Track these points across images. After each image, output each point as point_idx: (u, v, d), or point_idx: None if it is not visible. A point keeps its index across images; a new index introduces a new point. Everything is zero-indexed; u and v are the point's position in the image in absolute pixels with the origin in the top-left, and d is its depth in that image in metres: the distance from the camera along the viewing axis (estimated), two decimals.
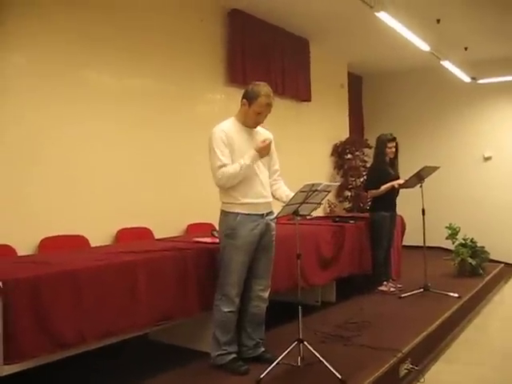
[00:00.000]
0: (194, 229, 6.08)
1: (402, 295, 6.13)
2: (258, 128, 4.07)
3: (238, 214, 3.85)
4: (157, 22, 6.03)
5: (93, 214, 5.27)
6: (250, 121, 3.95)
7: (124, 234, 5.51)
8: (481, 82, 9.96)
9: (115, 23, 5.56)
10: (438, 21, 7.34)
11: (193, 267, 4.03)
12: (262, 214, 3.95)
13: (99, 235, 5.29)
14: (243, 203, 3.86)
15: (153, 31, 5.98)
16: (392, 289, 6.41)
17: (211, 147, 3.84)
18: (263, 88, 3.90)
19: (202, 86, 6.47)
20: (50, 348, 3.15)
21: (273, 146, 4.11)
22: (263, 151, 3.88)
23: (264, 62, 7.58)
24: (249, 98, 3.88)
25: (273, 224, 4.06)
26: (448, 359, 4.96)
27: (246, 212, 3.86)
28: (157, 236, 5.64)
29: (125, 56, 5.67)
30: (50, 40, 4.98)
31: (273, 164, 4.19)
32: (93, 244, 5.10)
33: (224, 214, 3.93)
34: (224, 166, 3.78)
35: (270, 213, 4.02)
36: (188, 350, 4.35)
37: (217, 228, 4.16)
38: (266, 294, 4.07)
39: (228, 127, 3.89)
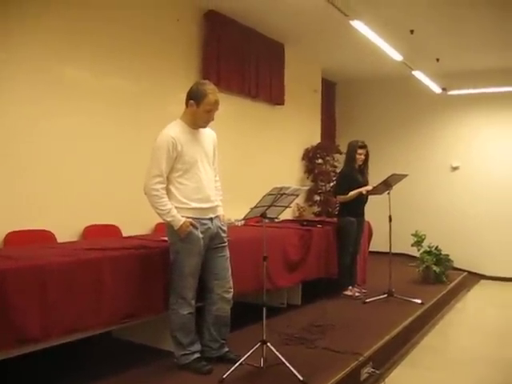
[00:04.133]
0: (163, 228, 6.04)
1: (367, 300, 6.21)
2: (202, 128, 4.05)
3: (188, 218, 3.85)
4: (133, 20, 6.00)
5: (60, 209, 5.23)
6: (200, 121, 3.93)
7: (91, 231, 5.47)
8: (451, 93, 10.14)
9: (92, 20, 5.51)
10: (412, 31, 7.44)
11: (159, 266, 4.03)
12: (211, 218, 3.98)
13: (66, 231, 5.25)
14: (192, 208, 3.88)
15: (129, 29, 5.94)
16: (357, 293, 6.49)
17: (155, 152, 3.82)
18: (209, 86, 3.89)
19: (175, 85, 6.44)
20: (14, 343, 3.14)
21: (215, 146, 4.13)
22: (181, 232, 3.83)
23: (239, 64, 7.60)
24: (196, 98, 3.85)
25: (224, 227, 4.10)
26: (409, 364, 5.05)
27: (196, 216, 3.89)
28: (124, 234, 5.62)
29: (101, 53, 5.63)
30: (26, 37, 4.92)
31: (214, 166, 4.16)
32: (59, 240, 5.05)
33: None
34: (160, 176, 3.78)
35: (217, 217, 4.05)
36: (152, 348, 4.36)
37: None
38: (230, 296, 4.09)
39: (176, 132, 3.86)
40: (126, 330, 4.36)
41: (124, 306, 3.79)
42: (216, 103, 3.89)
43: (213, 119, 3.97)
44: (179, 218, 3.81)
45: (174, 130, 3.88)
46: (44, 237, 4.98)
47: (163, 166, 3.80)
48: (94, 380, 3.73)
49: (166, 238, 4.06)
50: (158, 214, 3.85)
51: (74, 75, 5.42)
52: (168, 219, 3.82)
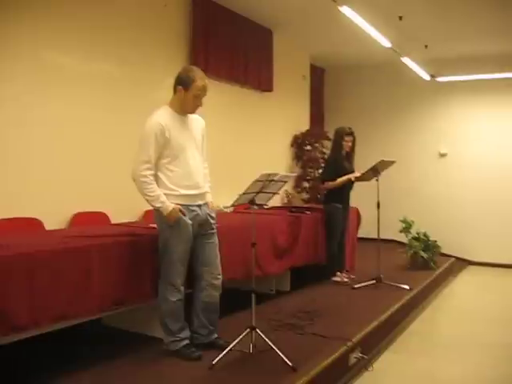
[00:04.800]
0: (151, 215, 6.02)
1: (355, 286, 6.25)
2: (191, 115, 4.04)
3: (177, 205, 3.84)
4: (119, 5, 5.96)
5: (48, 197, 5.20)
6: (189, 106, 3.92)
7: (80, 218, 5.45)
8: (440, 79, 10.15)
9: (78, 5, 5.46)
10: (401, 18, 7.43)
11: (148, 253, 4.03)
12: (200, 205, 3.98)
13: (54, 219, 5.23)
14: (181, 195, 3.88)
15: (115, 14, 5.90)
16: (345, 279, 6.53)
17: (143, 138, 3.80)
18: (197, 72, 3.88)
19: (163, 71, 6.40)
20: (3, 330, 3.13)
21: (203, 132, 4.13)
22: (171, 219, 3.82)
23: (227, 51, 7.57)
24: (184, 84, 3.84)
25: (213, 213, 4.10)
26: (396, 349, 5.10)
27: (185, 203, 3.88)
28: (113, 221, 5.62)
29: (87, 38, 5.58)
30: (9, 21, 4.87)
31: (203, 153, 4.14)
32: (48, 227, 5.04)
33: None
34: (149, 162, 3.77)
35: (206, 204, 4.05)
36: (142, 335, 4.37)
37: None
38: (219, 282, 4.10)
39: (164, 118, 3.84)
40: (115, 317, 4.37)
41: (113, 293, 3.79)
42: (204, 89, 3.88)
43: (201, 105, 3.96)
44: (168, 205, 3.80)
45: (163, 116, 3.87)
46: (32, 224, 4.95)
47: (151, 152, 3.78)
48: (83, 367, 3.73)
49: (154, 225, 4.06)
50: (147, 200, 3.84)
51: (59, 61, 5.37)
52: (157, 205, 3.82)
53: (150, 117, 3.87)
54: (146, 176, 3.78)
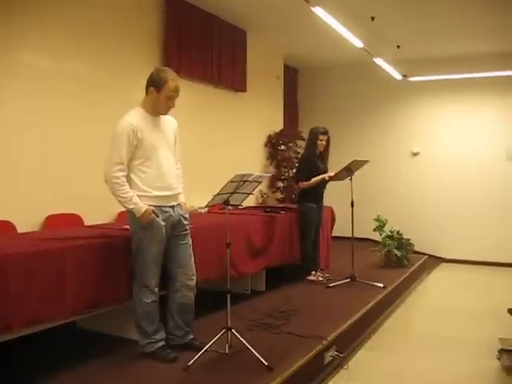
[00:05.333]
0: (125, 216, 5.98)
1: (330, 285, 6.28)
2: (163, 116, 4.02)
3: (149, 206, 3.82)
4: (92, 4, 5.90)
5: (20, 199, 5.14)
6: (161, 107, 3.91)
7: (52, 221, 5.40)
8: (411, 79, 10.26)
9: (50, 5, 5.40)
10: (373, 18, 7.48)
11: (122, 254, 4.00)
12: (173, 206, 3.98)
13: (27, 221, 5.17)
14: (154, 196, 3.86)
15: (87, 13, 5.83)
16: (320, 278, 6.56)
17: (115, 139, 3.78)
18: (169, 73, 3.88)
19: (136, 71, 6.36)
20: None
21: (176, 133, 4.11)
22: (144, 221, 3.81)
23: (200, 51, 7.55)
24: (156, 85, 3.83)
25: (186, 214, 4.10)
26: (371, 347, 5.14)
27: (158, 204, 3.87)
28: (86, 223, 5.57)
29: (59, 38, 5.52)
30: None
31: (175, 154, 4.13)
32: (20, 230, 4.98)
33: None
34: (121, 164, 3.75)
35: (179, 205, 4.04)
36: (117, 337, 4.34)
37: None
38: (193, 283, 4.10)
39: (136, 119, 3.82)
40: (90, 320, 4.33)
41: (87, 296, 3.76)
42: (176, 90, 3.87)
43: (173, 106, 3.95)
44: (141, 206, 3.78)
45: (135, 116, 3.85)
46: (4, 227, 4.89)
47: (123, 153, 3.76)
48: (58, 371, 3.69)
49: (128, 227, 4.03)
50: (120, 201, 3.82)
51: (30, 60, 5.30)
52: (130, 207, 3.80)
53: (121, 118, 3.85)
54: (118, 177, 3.75)
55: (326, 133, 6.52)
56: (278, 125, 10.18)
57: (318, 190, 6.58)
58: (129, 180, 3.83)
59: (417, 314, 6.77)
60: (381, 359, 4.86)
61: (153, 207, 3.82)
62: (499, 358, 4.67)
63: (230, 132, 8.61)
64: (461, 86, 10.04)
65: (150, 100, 3.90)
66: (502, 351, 4.70)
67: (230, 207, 4.14)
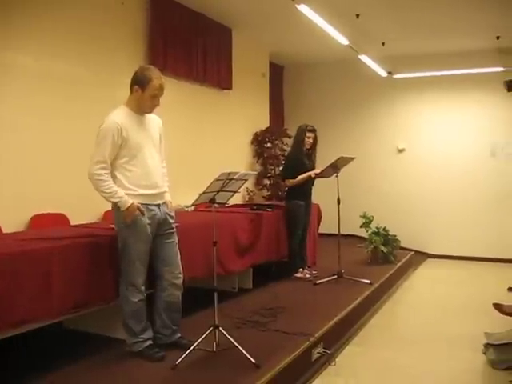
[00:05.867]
0: (111, 215, 5.98)
1: (317, 282, 6.31)
2: (148, 114, 4.02)
3: (134, 203, 3.81)
4: (77, 2, 5.87)
5: (5, 199, 5.11)
6: (146, 106, 3.90)
7: (38, 220, 5.37)
8: (396, 76, 10.32)
9: (35, 3, 5.37)
10: (358, 16, 7.52)
11: (108, 254, 4.00)
12: (158, 205, 3.97)
13: (12, 221, 5.14)
14: (139, 194, 3.86)
15: (72, 12, 5.81)
16: (307, 275, 6.58)
17: (100, 138, 3.77)
18: (154, 71, 3.88)
19: (121, 70, 6.34)
20: None
21: (161, 131, 4.11)
22: (128, 218, 3.81)
23: (186, 49, 7.54)
24: (140, 84, 3.83)
25: (172, 213, 4.10)
26: (358, 343, 5.17)
27: (143, 202, 3.86)
28: (73, 222, 5.54)
29: (44, 37, 5.50)
30: None
31: (161, 152, 4.13)
32: (5, 230, 4.95)
33: None
34: (103, 162, 3.74)
35: (164, 203, 4.04)
36: (104, 337, 4.33)
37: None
38: (180, 281, 4.10)
39: (121, 117, 3.82)
40: (77, 320, 4.31)
41: (74, 296, 3.75)
42: (161, 88, 3.87)
43: (158, 104, 3.95)
44: (126, 199, 3.78)
45: (119, 115, 3.84)
46: None
47: (107, 152, 3.75)
48: (46, 371, 3.68)
49: (114, 226, 4.02)
50: (105, 197, 3.81)
51: (14, 60, 5.27)
52: (115, 200, 3.79)
53: (106, 117, 3.84)
54: (100, 174, 3.75)
55: (313, 130, 6.54)
56: (264, 122, 10.19)
57: (305, 188, 6.60)
58: (114, 178, 3.83)
59: (403, 309, 6.81)
60: (368, 355, 4.89)
61: (138, 204, 3.82)
62: (485, 353, 4.72)
63: (216, 130, 8.61)
64: (446, 82, 10.09)
65: (134, 98, 3.89)
66: (487, 345, 4.75)
67: (216, 205, 4.15)
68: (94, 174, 3.75)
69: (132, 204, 3.78)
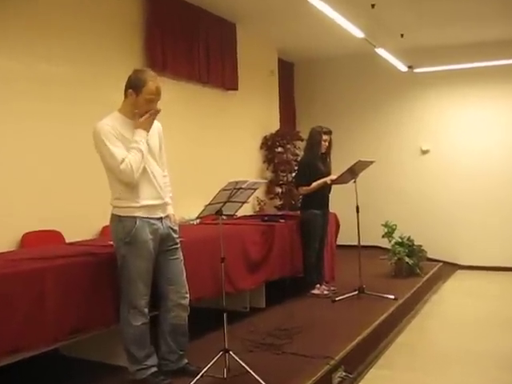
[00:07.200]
0: (109, 231, 6.01)
1: (336, 298, 6.29)
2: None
3: (135, 218, 3.82)
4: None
5: None
6: (142, 112, 3.88)
7: (30, 239, 5.39)
8: (417, 70, 10.30)
9: (22, 2, 5.42)
10: (373, 6, 7.50)
11: (108, 273, 4.00)
12: (161, 218, 3.97)
13: (2, 240, 5.17)
14: (141, 206, 3.85)
15: (62, 9, 5.85)
16: (325, 292, 6.57)
17: (102, 145, 3.75)
18: (149, 73, 3.88)
19: (115, 72, 6.34)
20: None
21: (161, 138, 4.11)
22: (145, 125, 3.83)
23: (186, 47, 7.57)
24: (135, 87, 3.82)
25: (175, 227, 4.10)
26: (384, 365, 5.14)
27: (144, 216, 3.86)
28: (68, 240, 5.56)
29: (31, 37, 5.53)
30: None
31: (162, 161, 4.13)
32: None
33: (118, 219, 3.87)
34: (124, 158, 3.73)
35: (167, 217, 4.04)
36: (104, 364, 4.33)
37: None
38: (186, 302, 4.10)
39: (112, 123, 3.82)
40: (74, 346, 4.33)
41: (71, 320, 3.75)
42: (157, 92, 3.86)
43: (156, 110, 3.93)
44: (138, 136, 3.79)
45: (109, 120, 3.84)
46: None
47: (118, 148, 3.73)
48: None
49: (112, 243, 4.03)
50: (142, 158, 3.78)
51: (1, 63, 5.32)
52: (142, 144, 3.79)
53: (95, 124, 3.82)
54: (126, 164, 3.70)
55: (329, 132, 6.54)
56: (273, 125, 10.21)
57: (321, 195, 6.59)
58: (114, 188, 3.85)
59: (432, 326, 6.77)
60: (394, 379, 4.86)
61: (139, 218, 3.82)
62: None
63: (222, 134, 8.63)
64: (473, 75, 10.06)
65: (128, 103, 3.89)
66: None
67: (223, 217, 4.16)
68: (127, 174, 3.73)
69: (141, 132, 3.80)
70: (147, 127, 3.86)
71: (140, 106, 3.85)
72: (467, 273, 9.84)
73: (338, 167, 6.57)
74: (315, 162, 6.53)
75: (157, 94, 3.86)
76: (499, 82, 10.03)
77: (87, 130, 3.99)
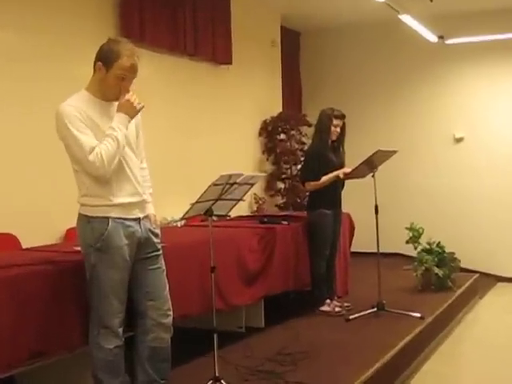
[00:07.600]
0: (75, 235, 6.00)
1: (350, 317, 6.29)
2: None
3: (107, 218, 3.80)
4: None
5: None
6: (110, 91, 3.84)
7: None
8: (450, 42, 10.29)
9: None
10: None
11: (73, 286, 4.01)
12: (138, 219, 3.95)
13: None
14: (114, 204, 3.82)
15: None
16: (337, 309, 6.57)
17: (66, 131, 3.69)
18: (125, 45, 3.81)
19: (86, 43, 6.37)
20: None
21: (138, 124, 4.09)
22: (130, 109, 3.79)
23: (169, 12, 7.57)
24: (106, 60, 3.76)
25: (156, 230, 4.09)
26: None
27: (119, 216, 3.83)
28: (25, 245, 5.56)
29: None
30: None
31: (139, 150, 4.11)
32: None
33: (87, 220, 3.84)
34: (93, 147, 3.68)
35: (146, 217, 4.02)
36: None
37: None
38: (169, 321, 4.08)
39: (77, 103, 3.77)
40: (33, 374, 4.33)
41: (28, 343, 3.74)
42: (132, 69, 3.80)
43: (128, 91, 3.85)
44: (118, 121, 3.75)
45: (73, 101, 3.79)
46: None
47: (86, 135, 3.68)
48: None
49: (79, 248, 4.03)
50: (118, 152, 3.75)
51: None
52: (124, 131, 3.75)
53: (57, 107, 3.78)
54: (94, 158, 3.66)
55: (341, 117, 6.51)
56: (275, 107, 10.21)
57: (332, 192, 6.59)
58: (81, 184, 3.83)
59: (466, 350, 6.79)
60: None
61: (113, 219, 3.81)
62: None
63: (213, 118, 8.63)
64: None
65: (96, 79, 3.86)
66: None
67: (214, 218, 4.16)
68: (97, 167, 3.67)
69: (122, 117, 3.77)
70: (131, 112, 3.80)
71: (109, 83, 3.80)
72: (509, 286, 9.86)
73: (352, 158, 6.57)
74: (325, 151, 6.53)
75: (130, 71, 3.80)
76: None
77: (48, 113, 3.97)
